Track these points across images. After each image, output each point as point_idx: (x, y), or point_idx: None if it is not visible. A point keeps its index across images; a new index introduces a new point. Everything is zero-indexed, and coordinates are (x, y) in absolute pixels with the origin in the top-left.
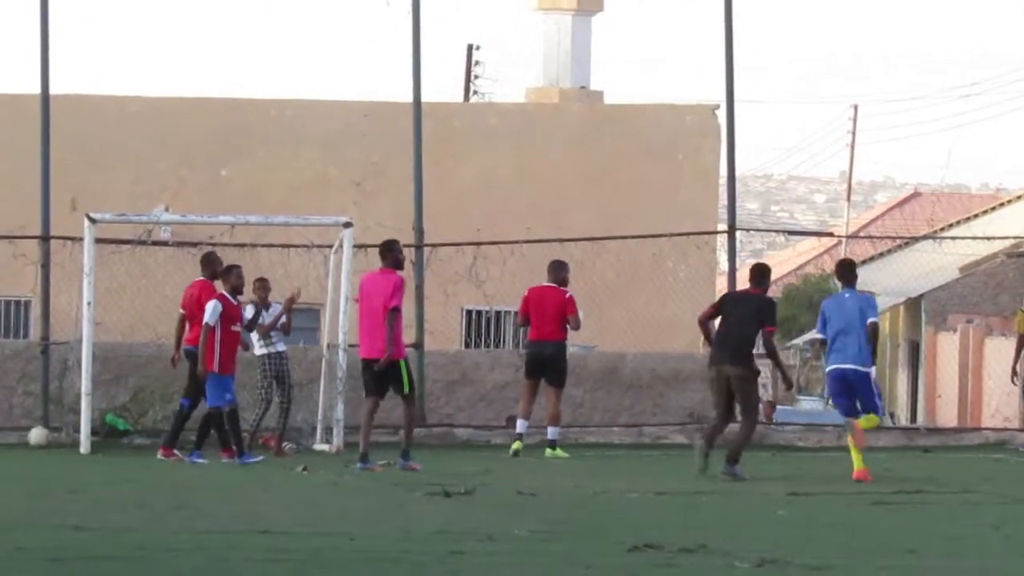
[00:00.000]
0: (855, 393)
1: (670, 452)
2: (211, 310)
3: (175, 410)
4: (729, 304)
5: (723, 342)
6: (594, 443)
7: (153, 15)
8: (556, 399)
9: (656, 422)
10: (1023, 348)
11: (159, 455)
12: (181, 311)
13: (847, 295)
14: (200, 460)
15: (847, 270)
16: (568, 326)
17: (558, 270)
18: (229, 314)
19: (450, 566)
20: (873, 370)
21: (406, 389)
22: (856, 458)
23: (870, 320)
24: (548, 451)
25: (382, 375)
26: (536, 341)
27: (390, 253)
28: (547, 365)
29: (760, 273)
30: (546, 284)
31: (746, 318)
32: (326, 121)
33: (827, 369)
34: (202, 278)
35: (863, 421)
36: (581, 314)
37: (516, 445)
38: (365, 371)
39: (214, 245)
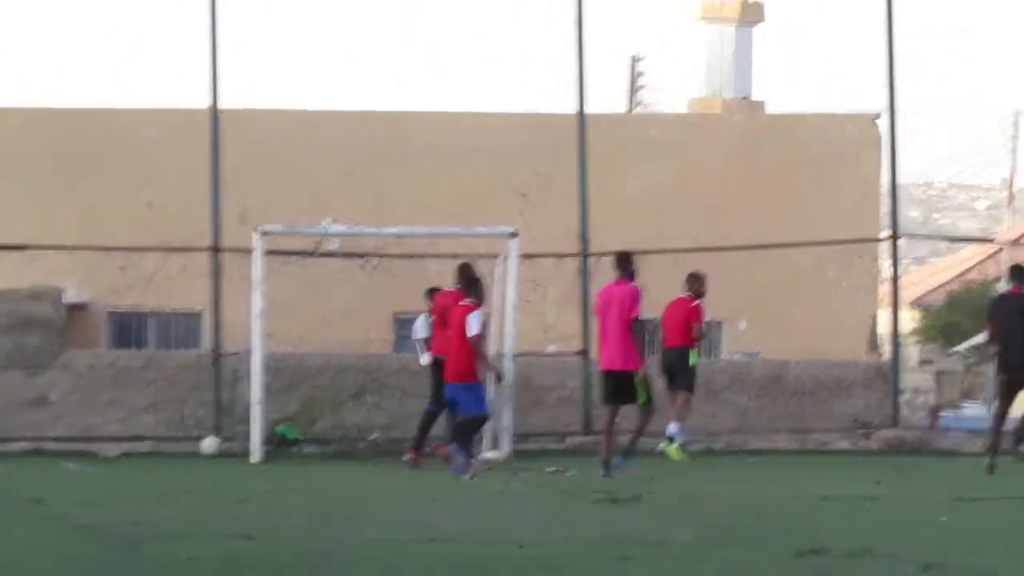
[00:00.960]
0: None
1: (834, 458)
2: (479, 320)
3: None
4: (999, 310)
5: (1011, 347)
6: (758, 449)
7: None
8: (681, 401)
9: (820, 428)
10: None
11: (405, 457)
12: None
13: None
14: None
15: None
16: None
17: (691, 282)
18: None
19: (618, 572)
20: None
21: (640, 400)
22: None
23: None
24: (662, 444)
25: (617, 384)
26: (663, 349)
27: (628, 263)
28: (669, 370)
29: (1020, 272)
30: (680, 296)
31: (1016, 319)
32: (491, 133)
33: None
34: (454, 288)
35: None
36: (744, 324)
37: (673, 453)
38: (603, 381)
39: (381, 256)
